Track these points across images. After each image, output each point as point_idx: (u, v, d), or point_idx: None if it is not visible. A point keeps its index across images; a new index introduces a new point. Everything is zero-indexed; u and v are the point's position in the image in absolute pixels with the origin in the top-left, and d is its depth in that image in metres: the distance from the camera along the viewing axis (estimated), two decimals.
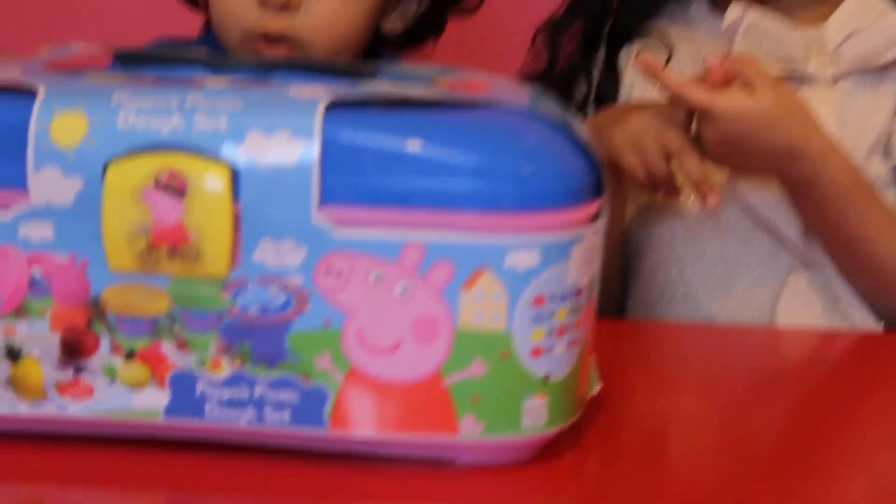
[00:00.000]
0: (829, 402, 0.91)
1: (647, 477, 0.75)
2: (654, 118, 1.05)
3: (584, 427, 0.77)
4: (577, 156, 0.73)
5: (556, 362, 0.72)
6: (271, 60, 0.82)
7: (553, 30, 1.24)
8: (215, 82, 0.74)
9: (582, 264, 0.72)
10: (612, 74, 1.22)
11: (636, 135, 1.04)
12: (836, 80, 1.13)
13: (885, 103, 1.15)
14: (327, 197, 0.68)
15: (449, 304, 0.70)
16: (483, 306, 0.70)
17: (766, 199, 1.11)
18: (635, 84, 1.21)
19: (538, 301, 0.70)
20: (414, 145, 0.69)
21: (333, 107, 0.69)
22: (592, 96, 1.22)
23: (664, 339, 1.05)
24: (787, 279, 1.13)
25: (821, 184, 1.05)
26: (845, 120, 1.13)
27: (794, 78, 1.11)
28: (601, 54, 1.23)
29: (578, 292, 0.72)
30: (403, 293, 0.70)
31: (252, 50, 1.02)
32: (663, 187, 1.08)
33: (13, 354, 0.71)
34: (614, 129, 1.05)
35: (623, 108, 1.17)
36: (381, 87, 0.73)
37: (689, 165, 1.03)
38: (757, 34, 1.10)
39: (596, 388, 0.78)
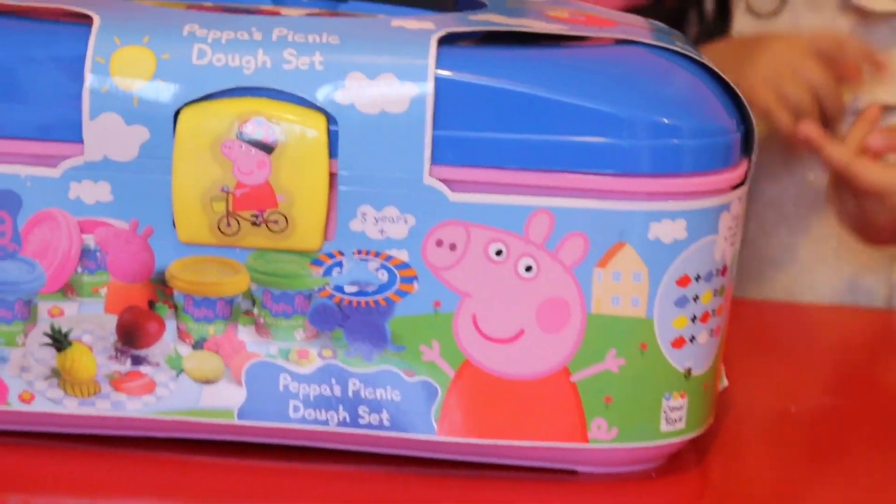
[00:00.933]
0: None
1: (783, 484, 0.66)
2: (790, 52, 0.96)
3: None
4: (726, 106, 0.63)
5: (699, 354, 0.62)
6: None
7: None
8: (291, 11, 0.63)
9: (728, 238, 0.62)
10: (724, 12, 1.13)
11: (773, 71, 0.95)
12: None
13: None
14: (441, 155, 0.58)
15: (581, 284, 0.60)
16: (620, 287, 0.60)
17: None
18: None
19: (683, 281, 0.60)
20: (544, 92, 0.59)
21: (446, 43, 0.58)
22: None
23: (782, 320, 0.94)
24: None
25: None
26: None
27: None
28: None
29: (723, 271, 0.62)
30: (528, 271, 0.59)
31: None
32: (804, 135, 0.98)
33: (60, 340, 0.60)
34: (740, 66, 0.95)
35: (738, 41, 1.07)
36: (493, 18, 0.62)
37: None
38: None
39: (724, 383, 0.67)
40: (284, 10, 0.64)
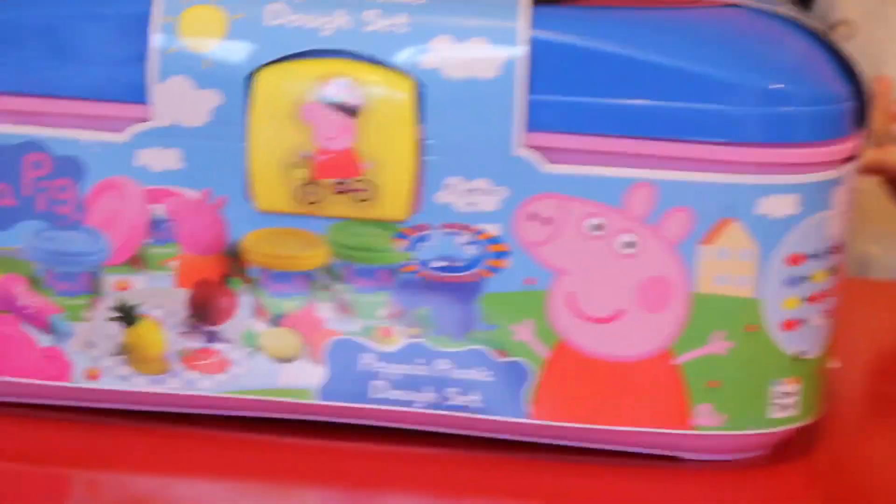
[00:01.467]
0: None
1: None
2: None
3: None
4: (839, 72, 0.58)
5: (810, 337, 0.58)
6: None
7: None
8: None
9: (840, 213, 0.58)
10: None
11: None
12: None
13: None
14: (535, 122, 0.54)
15: (685, 261, 0.56)
16: (727, 266, 0.56)
17: None
18: None
19: (794, 259, 0.56)
20: (646, 55, 0.55)
21: (538, 3, 0.54)
22: None
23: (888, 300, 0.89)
24: None
25: None
26: None
27: None
28: None
29: (836, 249, 0.58)
30: (628, 247, 0.55)
31: None
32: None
33: (128, 315, 0.57)
34: None
35: None
36: None
37: None
38: None
39: (835, 364, 0.63)
40: None
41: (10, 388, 0.59)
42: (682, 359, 0.56)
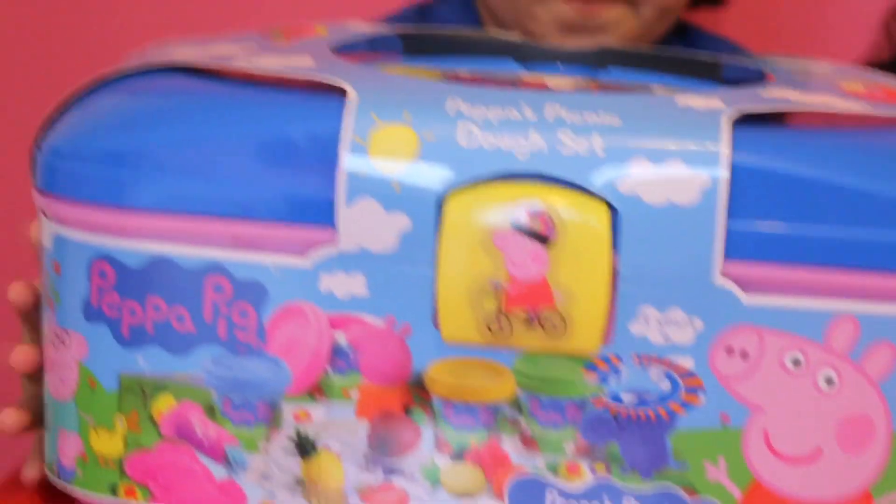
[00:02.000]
0: None
1: None
2: None
3: None
4: None
5: None
6: (595, 51, 0.64)
7: None
8: (557, 83, 0.56)
9: None
10: None
11: None
12: None
13: None
14: (733, 250, 0.52)
15: (888, 400, 0.53)
16: None
17: None
18: None
19: None
20: (852, 180, 0.52)
21: (739, 125, 0.52)
22: None
23: None
24: None
25: None
26: None
27: None
28: None
29: None
30: (829, 383, 0.52)
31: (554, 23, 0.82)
32: None
33: (306, 447, 0.54)
34: None
35: None
36: (786, 94, 0.56)
37: None
38: None
39: None
40: (549, 80, 0.58)
41: None
42: (882, 502, 0.53)
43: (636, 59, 0.64)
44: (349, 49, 0.62)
